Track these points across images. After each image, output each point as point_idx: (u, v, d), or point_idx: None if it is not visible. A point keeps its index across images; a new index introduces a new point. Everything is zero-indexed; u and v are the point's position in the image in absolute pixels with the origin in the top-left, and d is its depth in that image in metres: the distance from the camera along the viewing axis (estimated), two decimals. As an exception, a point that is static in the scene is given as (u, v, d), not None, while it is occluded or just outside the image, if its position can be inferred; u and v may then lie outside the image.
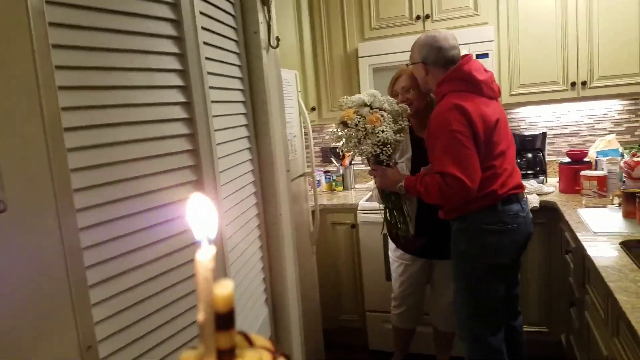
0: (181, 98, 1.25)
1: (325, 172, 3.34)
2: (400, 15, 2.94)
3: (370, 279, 2.88)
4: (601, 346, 1.67)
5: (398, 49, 2.85)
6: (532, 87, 2.78)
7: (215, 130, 1.35)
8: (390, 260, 2.45)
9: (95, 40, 1.03)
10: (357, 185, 3.34)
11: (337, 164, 3.30)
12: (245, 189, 1.58)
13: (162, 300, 1.17)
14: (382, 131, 1.94)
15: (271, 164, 1.69)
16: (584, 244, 1.84)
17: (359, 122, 1.97)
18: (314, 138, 3.53)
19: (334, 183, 3.25)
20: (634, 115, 2.92)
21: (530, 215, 2.03)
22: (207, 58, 1.36)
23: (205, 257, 0.28)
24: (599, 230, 1.95)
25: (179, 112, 1.24)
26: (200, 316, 0.28)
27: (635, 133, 2.91)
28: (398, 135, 2.00)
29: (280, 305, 1.77)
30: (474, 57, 2.82)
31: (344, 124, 2.02)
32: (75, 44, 0.98)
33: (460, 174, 1.80)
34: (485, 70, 1.96)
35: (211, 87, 1.37)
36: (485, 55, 2.76)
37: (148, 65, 1.16)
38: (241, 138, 1.61)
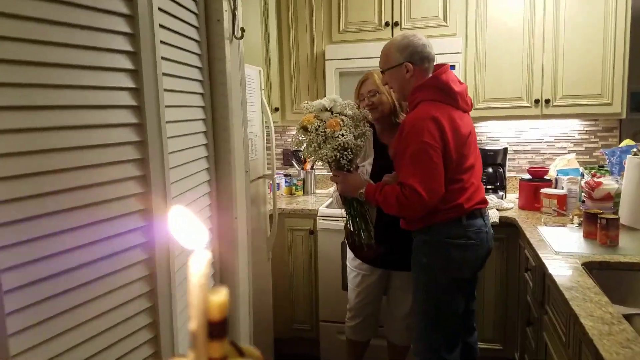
0: (129, 83, 1.11)
1: (285, 175, 3.22)
2: (369, 21, 2.88)
3: (326, 288, 2.78)
4: (560, 370, 1.63)
5: (366, 55, 2.79)
6: (496, 102, 2.77)
7: (168, 122, 1.22)
8: (348, 269, 2.37)
9: (35, 11, 0.88)
10: (317, 191, 3.24)
11: (298, 168, 3.20)
12: (198, 188, 1.44)
13: (94, 309, 1.02)
14: (342, 135, 1.91)
15: (229, 162, 1.56)
16: (545, 262, 1.80)
17: (319, 126, 1.93)
18: (276, 139, 3.41)
19: (294, 187, 3.14)
20: (593, 136, 2.96)
21: (492, 230, 2.00)
22: (162, 42, 1.22)
23: (200, 263, 0.27)
24: (560, 249, 1.92)
25: (126, 99, 1.10)
26: (193, 324, 0.27)
27: (594, 154, 2.96)
28: (359, 140, 1.98)
29: (230, 315, 1.64)
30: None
31: (304, 128, 1.99)
32: (9, 12, 0.83)
33: (420, 188, 1.75)
34: (460, 82, 1.92)
35: (165, 74, 1.23)
36: (452, 67, 2.72)
37: (94, 43, 1.01)
38: (197, 133, 1.47)
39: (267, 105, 2.40)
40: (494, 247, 2.06)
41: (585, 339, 1.26)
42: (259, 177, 2.28)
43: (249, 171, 1.72)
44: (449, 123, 1.79)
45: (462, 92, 1.88)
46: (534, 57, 2.68)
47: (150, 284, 1.17)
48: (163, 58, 1.21)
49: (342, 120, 1.94)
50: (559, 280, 1.62)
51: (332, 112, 1.98)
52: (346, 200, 2.09)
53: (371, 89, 2.14)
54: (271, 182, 2.53)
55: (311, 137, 1.94)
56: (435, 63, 1.95)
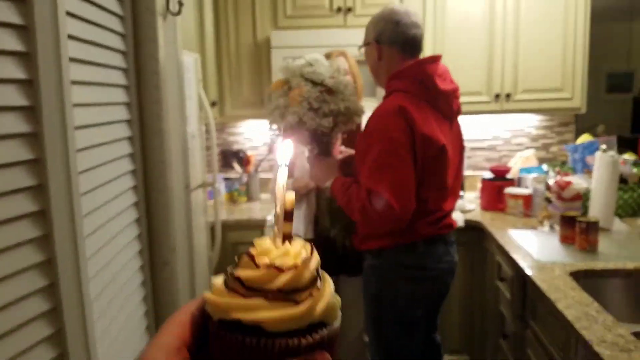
0: (19, 73, 0.74)
1: (225, 179, 2.86)
2: (319, 5, 2.59)
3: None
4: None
5: (316, 43, 2.49)
6: (455, 95, 2.59)
7: (77, 127, 0.86)
8: None
9: None
10: (263, 195, 2.91)
11: (240, 170, 2.85)
12: (121, 217, 1.08)
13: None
14: (294, 113, 1.54)
15: (163, 176, 1.21)
16: (530, 274, 1.62)
17: (280, 96, 1.60)
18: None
19: (236, 193, 2.79)
20: (549, 131, 2.87)
21: (456, 258, 1.68)
22: (68, 13, 0.86)
23: (284, 172, 0.38)
24: (539, 257, 1.76)
25: (14, 97, 0.74)
26: (277, 209, 0.38)
27: (551, 149, 2.87)
28: (326, 120, 1.57)
29: None
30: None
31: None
32: None
33: (391, 198, 1.41)
34: (451, 81, 1.59)
35: (73, 60, 0.87)
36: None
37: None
38: (119, 140, 1.11)
39: (205, 99, 2.05)
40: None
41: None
42: (198, 186, 1.93)
43: (189, 186, 1.38)
44: (423, 124, 1.45)
45: (449, 92, 1.54)
46: (494, 49, 2.53)
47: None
48: (70, 37, 0.85)
49: (307, 92, 1.54)
50: (553, 296, 1.44)
51: (305, 79, 1.59)
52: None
53: (346, 68, 1.79)
54: (211, 189, 2.18)
55: (272, 107, 1.61)
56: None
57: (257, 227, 2.45)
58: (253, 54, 2.64)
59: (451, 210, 1.65)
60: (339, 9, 2.57)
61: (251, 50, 2.64)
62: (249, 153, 2.85)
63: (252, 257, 0.36)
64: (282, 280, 0.35)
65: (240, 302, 0.35)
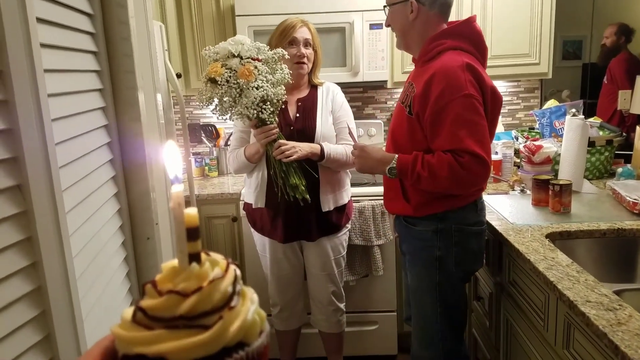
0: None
1: (194, 154, 2.77)
2: (284, -30, 2.49)
3: (254, 279, 2.45)
4: (535, 353, 1.51)
5: (282, 10, 2.42)
6: (425, 63, 2.58)
7: (50, 95, 0.78)
8: (260, 256, 2.13)
9: None
10: (234, 170, 2.84)
11: (209, 145, 2.76)
12: (99, 192, 1.01)
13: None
14: (258, 87, 1.60)
15: (142, 149, 1.14)
16: (508, 238, 1.65)
17: (229, 77, 1.60)
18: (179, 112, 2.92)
19: (207, 167, 2.71)
20: (515, 97, 2.92)
21: None
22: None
23: (177, 189, 0.35)
24: (515, 220, 1.80)
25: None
26: (177, 230, 0.34)
27: (517, 115, 2.93)
28: (278, 87, 1.67)
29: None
30: (368, 27, 2.53)
31: (212, 81, 1.63)
32: None
33: (481, 151, 1.41)
34: None
35: (40, 20, 0.79)
36: (380, 26, 2.49)
37: None
38: (92, 110, 1.03)
39: (172, 70, 1.95)
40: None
41: (596, 331, 1.10)
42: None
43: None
44: (485, 76, 1.48)
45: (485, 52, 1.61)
46: (462, 16, 2.51)
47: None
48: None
49: (256, 67, 1.61)
50: (533, 258, 1.47)
51: (241, 58, 1.63)
52: (269, 159, 1.82)
53: (309, 38, 1.86)
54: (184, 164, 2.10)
55: (223, 91, 1.61)
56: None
57: (231, 201, 2.40)
58: (216, 23, 2.54)
59: None
60: (305, -25, 2.48)
61: (214, 19, 2.54)
62: (218, 127, 2.77)
63: (154, 285, 0.34)
64: (184, 306, 0.33)
65: (142, 334, 0.33)
